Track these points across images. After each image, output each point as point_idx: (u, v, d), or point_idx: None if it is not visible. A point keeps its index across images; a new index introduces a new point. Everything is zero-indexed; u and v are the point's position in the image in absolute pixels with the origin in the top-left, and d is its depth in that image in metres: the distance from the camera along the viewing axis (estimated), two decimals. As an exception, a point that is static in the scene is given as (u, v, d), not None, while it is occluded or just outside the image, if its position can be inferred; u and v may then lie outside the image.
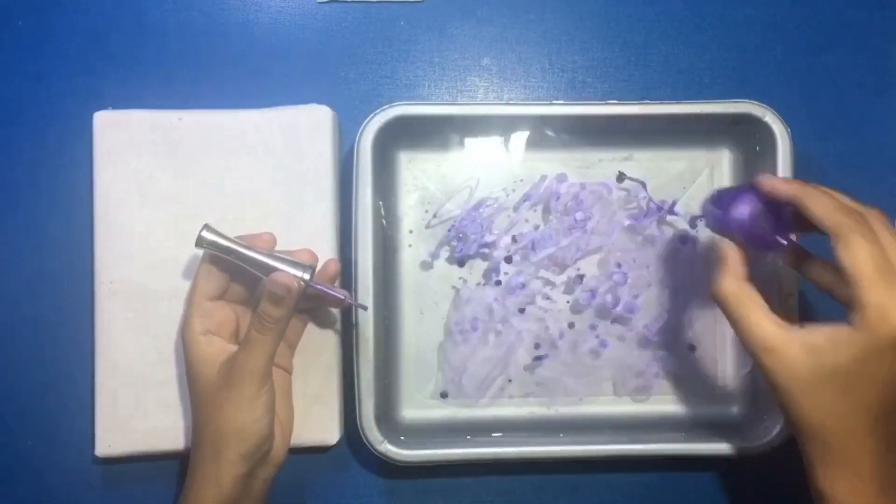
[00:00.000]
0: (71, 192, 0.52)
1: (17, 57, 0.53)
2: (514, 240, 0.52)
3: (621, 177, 0.53)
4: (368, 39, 0.54)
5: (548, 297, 0.52)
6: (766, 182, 0.42)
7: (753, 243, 0.42)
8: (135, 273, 0.50)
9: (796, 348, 0.39)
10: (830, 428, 0.39)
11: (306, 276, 0.44)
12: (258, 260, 0.44)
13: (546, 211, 0.53)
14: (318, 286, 0.45)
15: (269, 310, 0.43)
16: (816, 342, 0.38)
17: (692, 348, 0.53)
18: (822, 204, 0.39)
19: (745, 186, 0.43)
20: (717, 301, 0.42)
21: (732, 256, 0.42)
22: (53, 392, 0.52)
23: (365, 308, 0.48)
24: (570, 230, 0.52)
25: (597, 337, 0.52)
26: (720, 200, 0.44)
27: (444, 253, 0.52)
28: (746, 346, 0.41)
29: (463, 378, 0.52)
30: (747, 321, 0.40)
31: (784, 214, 0.42)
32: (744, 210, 0.42)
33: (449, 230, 0.52)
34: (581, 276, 0.52)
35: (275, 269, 0.44)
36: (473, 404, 0.52)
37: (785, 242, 0.42)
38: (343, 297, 0.46)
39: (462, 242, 0.52)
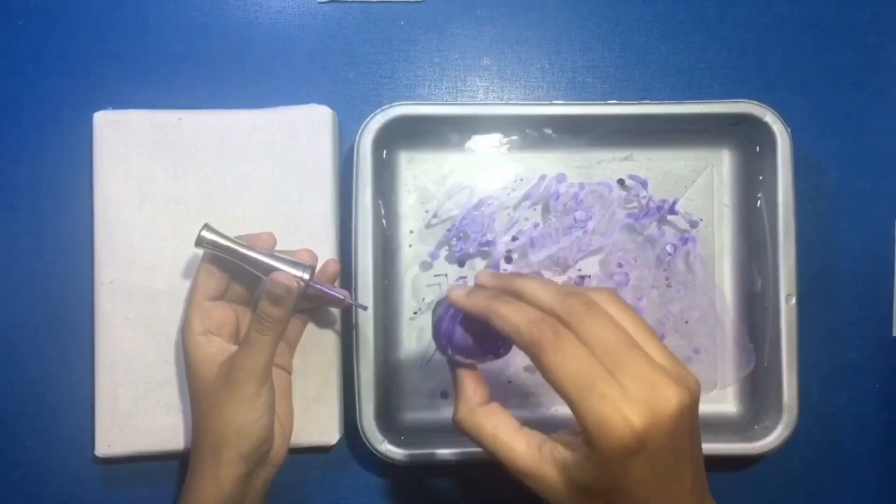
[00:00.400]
0: (71, 192, 0.52)
1: (17, 57, 0.53)
2: (513, 239, 0.52)
3: (623, 182, 0.53)
4: (368, 39, 0.54)
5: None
6: (455, 301, 0.38)
7: (474, 358, 0.39)
8: (135, 273, 0.50)
9: (549, 468, 0.35)
10: None
11: (306, 276, 0.44)
12: (258, 260, 0.44)
13: (546, 210, 0.53)
14: (318, 286, 0.45)
15: (269, 310, 0.43)
16: (564, 459, 0.35)
17: (695, 351, 0.53)
18: (508, 322, 0.35)
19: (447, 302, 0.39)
20: (461, 433, 0.38)
21: (467, 384, 0.39)
22: (53, 392, 0.52)
23: (365, 308, 0.48)
24: (569, 229, 0.52)
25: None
26: (434, 323, 0.40)
27: (444, 253, 0.52)
28: (506, 469, 0.37)
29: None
30: (497, 449, 0.37)
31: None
32: (449, 329, 0.39)
33: (449, 230, 0.52)
34: (583, 277, 0.52)
35: (274, 269, 0.44)
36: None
37: (503, 350, 0.39)
38: (343, 297, 0.46)
39: (462, 242, 0.52)
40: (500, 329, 0.36)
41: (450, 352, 0.39)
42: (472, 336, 0.38)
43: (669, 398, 0.33)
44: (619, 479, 0.33)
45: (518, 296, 0.37)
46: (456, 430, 0.38)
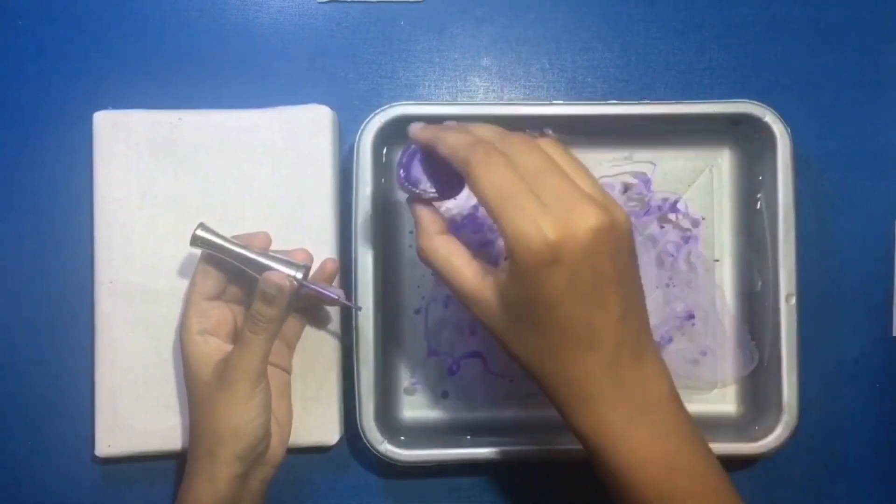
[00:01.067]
0: (71, 192, 0.52)
1: (17, 57, 0.53)
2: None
3: (626, 188, 0.53)
4: (368, 39, 0.54)
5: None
6: (412, 131, 0.41)
7: (437, 191, 0.41)
8: (135, 273, 0.50)
9: (489, 292, 0.37)
10: (542, 364, 0.37)
11: (299, 276, 0.44)
12: (252, 259, 0.44)
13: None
14: (311, 286, 0.45)
15: (262, 309, 0.43)
16: (500, 281, 0.36)
17: (703, 353, 0.52)
18: (448, 144, 0.38)
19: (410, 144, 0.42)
20: (423, 261, 0.40)
21: (423, 215, 0.41)
22: (53, 392, 0.52)
23: (359, 308, 0.48)
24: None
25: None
26: (398, 162, 0.42)
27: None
28: (455, 297, 0.39)
29: (463, 378, 0.52)
30: (449, 274, 0.39)
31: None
32: (412, 165, 0.41)
33: (448, 230, 0.52)
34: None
35: (268, 269, 0.44)
36: (473, 404, 0.52)
37: (460, 182, 0.41)
38: (337, 297, 0.46)
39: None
40: (442, 154, 0.38)
41: (408, 185, 0.41)
42: (430, 171, 0.41)
43: (587, 217, 0.34)
44: (539, 293, 0.35)
45: (462, 131, 0.39)
46: (420, 260, 0.40)
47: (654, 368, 0.38)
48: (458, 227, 0.52)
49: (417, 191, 0.41)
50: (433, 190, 0.41)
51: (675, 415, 0.38)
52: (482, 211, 0.52)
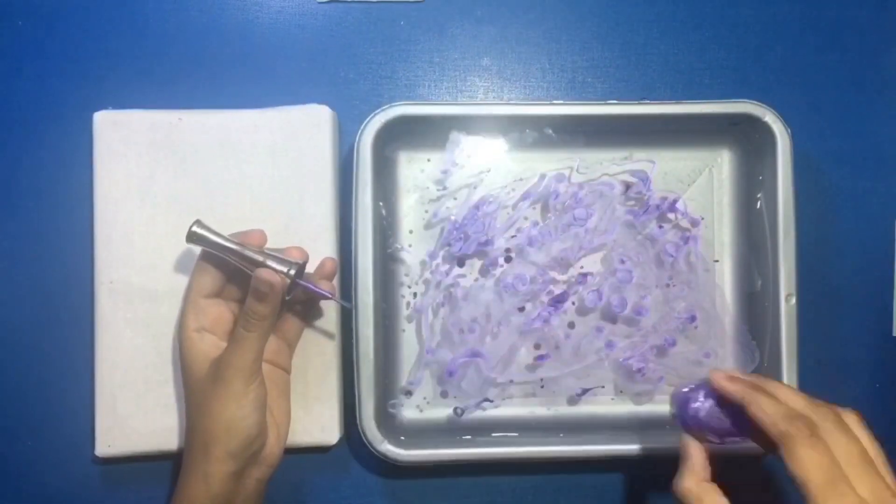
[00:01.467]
0: (71, 192, 0.52)
1: (17, 57, 0.53)
2: (512, 237, 0.52)
3: (627, 185, 0.53)
4: (368, 39, 0.54)
5: (550, 294, 0.52)
6: (716, 381, 0.42)
7: (715, 437, 0.43)
8: (135, 273, 0.50)
9: None
10: None
11: (292, 273, 0.44)
12: (247, 256, 0.45)
13: (545, 209, 0.53)
14: (303, 283, 0.46)
15: (254, 306, 0.43)
16: None
17: (706, 355, 0.52)
18: (765, 412, 0.39)
19: (703, 383, 0.44)
20: (677, 498, 0.41)
21: (695, 455, 0.42)
22: (53, 392, 0.52)
23: (350, 306, 0.48)
24: (568, 227, 0.52)
25: (600, 332, 0.52)
26: (678, 396, 0.44)
27: (444, 252, 0.52)
28: None
29: (463, 378, 0.52)
30: None
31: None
32: (699, 408, 0.43)
33: (448, 230, 0.52)
34: (584, 274, 0.52)
35: (262, 265, 0.44)
36: (474, 404, 0.52)
37: (741, 436, 0.43)
38: (330, 295, 0.46)
39: (462, 242, 0.52)
40: (756, 416, 0.39)
41: (694, 426, 0.43)
42: (717, 416, 0.43)
43: None
44: None
45: (771, 394, 0.41)
46: (673, 495, 0.41)
47: None
48: (458, 227, 0.52)
49: (703, 436, 0.43)
50: (717, 440, 0.43)
51: None
52: (482, 210, 0.52)
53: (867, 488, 0.36)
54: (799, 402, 0.41)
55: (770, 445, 0.39)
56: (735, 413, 0.42)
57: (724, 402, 0.42)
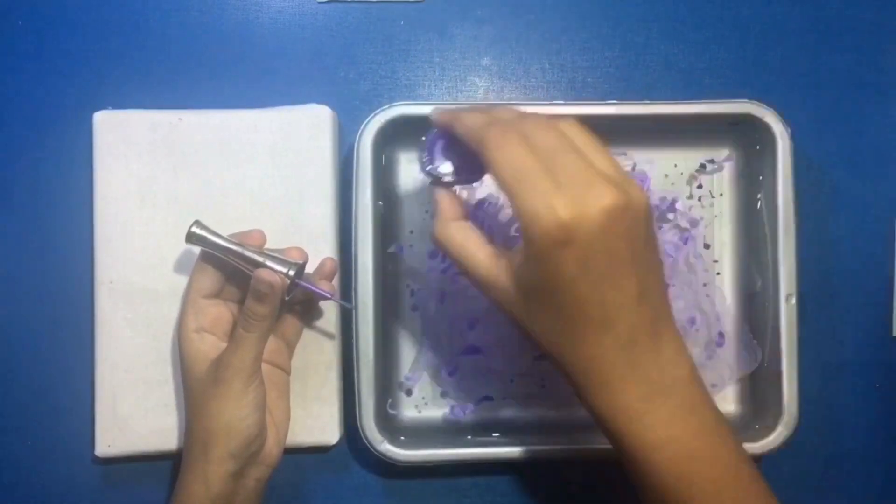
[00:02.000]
0: (71, 192, 0.52)
1: (17, 57, 0.53)
2: (513, 238, 0.52)
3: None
4: (368, 39, 0.54)
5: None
6: (433, 115, 0.41)
7: (458, 177, 0.41)
8: (135, 273, 0.50)
9: (504, 275, 0.37)
10: (560, 346, 0.37)
11: (291, 273, 0.44)
12: (246, 256, 0.45)
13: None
14: (303, 283, 0.46)
15: (254, 307, 0.43)
16: (516, 264, 0.36)
17: (708, 357, 0.52)
18: (464, 124, 0.38)
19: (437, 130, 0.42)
20: (438, 247, 0.40)
21: (442, 200, 0.41)
22: (53, 392, 0.52)
23: (350, 306, 0.49)
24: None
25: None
26: (421, 146, 0.43)
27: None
28: (471, 282, 0.39)
29: (463, 378, 0.52)
30: (464, 259, 0.39)
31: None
32: (435, 151, 0.42)
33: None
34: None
35: (262, 266, 0.44)
36: (473, 403, 0.52)
37: (481, 169, 0.41)
38: (329, 296, 0.46)
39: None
40: (459, 133, 0.38)
41: (430, 169, 0.41)
42: (452, 156, 0.41)
43: (601, 196, 0.34)
44: (552, 274, 0.34)
45: (484, 112, 0.39)
46: (434, 244, 0.40)
47: (672, 350, 0.38)
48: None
49: (438, 174, 0.41)
50: (453, 174, 0.41)
51: (695, 398, 0.38)
52: (482, 210, 0.52)
53: (565, 173, 0.34)
54: (505, 114, 0.38)
55: (497, 184, 0.36)
56: (465, 151, 0.39)
57: (453, 142, 0.41)
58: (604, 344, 0.36)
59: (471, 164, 0.41)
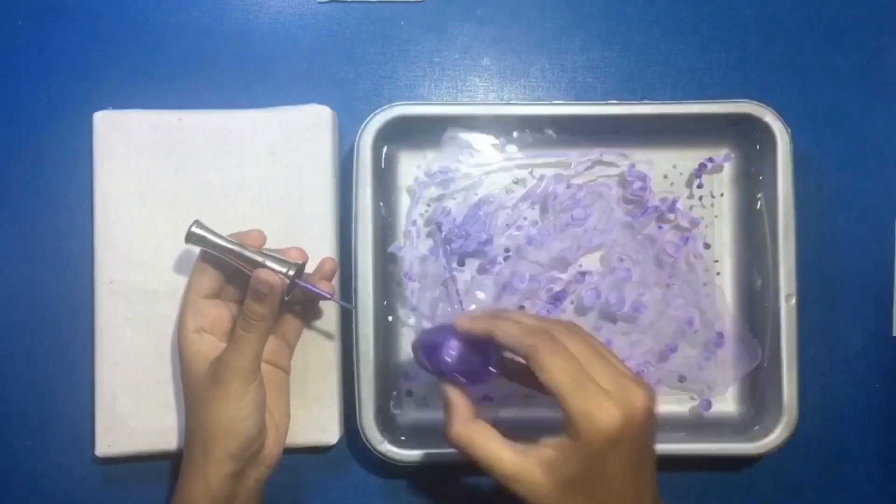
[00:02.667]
0: (71, 192, 0.52)
1: (17, 57, 0.53)
2: (512, 238, 0.52)
3: (624, 181, 0.53)
4: (368, 39, 0.54)
5: (549, 292, 0.52)
6: (460, 324, 0.43)
7: (468, 379, 0.43)
8: (135, 273, 0.50)
9: (535, 469, 0.39)
10: None
11: (291, 273, 0.44)
12: (246, 256, 0.45)
13: (544, 209, 0.53)
14: (303, 284, 0.46)
15: (254, 307, 0.43)
16: (549, 459, 0.39)
17: (706, 358, 0.52)
18: (508, 333, 0.41)
19: (447, 327, 0.44)
20: (454, 447, 0.41)
21: (455, 399, 0.42)
22: (53, 392, 0.52)
23: (349, 306, 0.49)
24: (567, 227, 0.52)
25: (598, 332, 0.52)
26: (426, 346, 0.44)
27: (444, 252, 0.52)
28: (497, 480, 0.40)
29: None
30: (487, 459, 0.40)
31: (489, 346, 0.43)
32: (449, 353, 0.43)
33: (448, 229, 0.52)
34: (584, 273, 0.52)
35: (261, 266, 0.44)
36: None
37: (494, 371, 0.43)
38: (329, 296, 0.46)
39: (461, 241, 0.52)
40: (503, 341, 0.41)
41: (447, 372, 0.43)
42: (467, 359, 0.43)
43: (638, 396, 0.39)
44: (601, 470, 0.38)
45: (509, 320, 0.42)
46: (448, 444, 0.42)
47: None
48: (459, 225, 0.52)
49: (457, 380, 0.43)
50: (472, 383, 0.43)
51: None
52: (482, 210, 0.52)
53: (607, 379, 0.39)
54: (531, 320, 0.43)
55: (520, 379, 0.42)
56: (483, 354, 0.43)
57: (472, 344, 0.43)
58: None
59: (478, 370, 0.43)
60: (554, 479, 0.39)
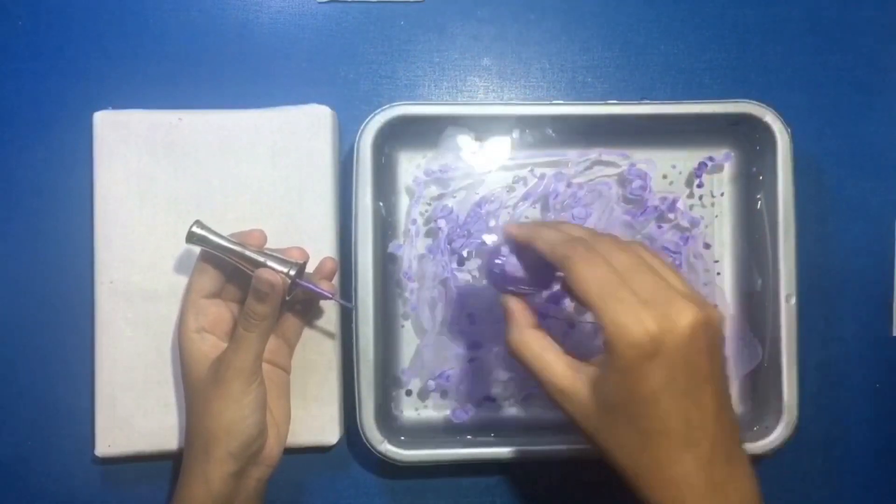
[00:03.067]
0: (71, 192, 0.52)
1: (17, 57, 0.53)
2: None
3: (624, 187, 0.53)
4: (368, 39, 0.54)
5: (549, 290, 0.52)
6: (507, 229, 0.42)
7: (523, 287, 0.43)
8: (135, 273, 0.50)
9: (582, 387, 0.38)
10: (637, 465, 0.37)
11: (292, 273, 0.44)
12: (247, 256, 0.45)
13: (545, 208, 0.53)
14: (304, 283, 0.46)
15: (255, 307, 0.43)
16: (595, 377, 0.37)
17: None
18: (545, 240, 0.39)
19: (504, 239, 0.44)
20: (512, 355, 0.41)
21: (516, 309, 0.42)
22: (53, 392, 0.52)
23: (350, 306, 0.49)
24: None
25: (597, 331, 0.52)
26: (488, 257, 0.44)
27: (444, 252, 0.52)
28: (545, 392, 0.39)
29: (463, 377, 0.52)
30: (540, 368, 0.39)
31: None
32: (504, 263, 0.43)
33: (448, 229, 0.52)
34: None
35: (263, 266, 0.44)
36: (473, 404, 0.52)
37: (544, 284, 0.43)
38: (330, 295, 0.46)
39: (461, 240, 0.52)
40: (541, 249, 0.40)
41: (502, 282, 0.43)
42: (523, 269, 0.42)
43: (683, 311, 0.35)
44: (638, 387, 0.35)
45: (555, 228, 0.41)
46: (508, 353, 0.41)
47: (744, 470, 0.37)
48: (461, 224, 0.52)
49: (512, 288, 0.43)
50: (526, 286, 0.43)
51: None
52: (483, 209, 0.52)
53: (649, 290, 0.36)
54: (579, 230, 0.41)
55: (578, 298, 0.38)
56: (535, 262, 0.42)
57: (523, 253, 0.42)
58: (684, 462, 0.36)
59: (538, 277, 0.43)
60: (597, 398, 0.37)
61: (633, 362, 0.35)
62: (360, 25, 0.54)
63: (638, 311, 0.35)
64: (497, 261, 0.43)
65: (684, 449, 0.36)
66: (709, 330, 0.36)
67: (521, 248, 0.42)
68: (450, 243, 0.52)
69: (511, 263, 0.43)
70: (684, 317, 0.35)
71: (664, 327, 0.35)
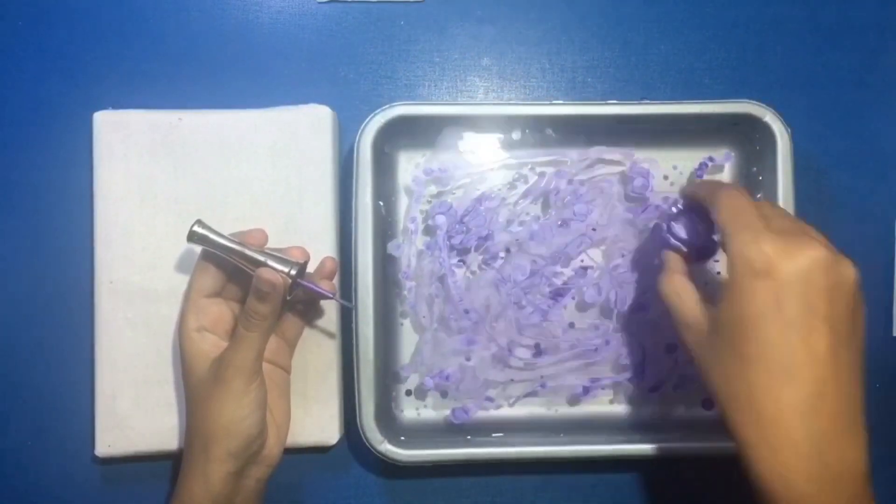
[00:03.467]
0: (71, 192, 0.52)
1: (17, 57, 0.53)
2: (514, 233, 0.52)
3: (625, 186, 0.53)
4: (368, 39, 0.54)
5: (551, 286, 0.52)
6: (685, 188, 0.47)
7: (689, 244, 0.47)
8: (135, 273, 0.50)
9: (704, 319, 0.40)
10: (736, 395, 0.36)
11: (293, 273, 0.44)
12: (248, 255, 0.45)
13: (546, 205, 0.53)
14: (305, 283, 0.46)
15: (256, 306, 0.43)
16: (716, 311, 0.39)
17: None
18: (703, 189, 0.43)
19: (686, 205, 0.48)
20: (661, 293, 0.44)
21: (672, 258, 0.46)
22: (53, 392, 0.52)
23: (350, 306, 0.49)
24: (568, 222, 0.52)
25: (598, 329, 0.52)
26: (665, 217, 0.49)
27: (443, 248, 0.52)
28: (676, 326, 0.42)
29: (463, 377, 0.52)
30: (677, 303, 0.42)
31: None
32: (673, 221, 0.47)
33: (448, 229, 0.52)
34: (585, 268, 0.52)
35: (263, 265, 0.44)
36: (473, 404, 0.52)
37: (708, 247, 0.47)
38: (331, 295, 0.46)
39: (463, 235, 0.51)
40: (697, 196, 0.44)
41: (671, 239, 0.47)
42: (688, 230, 0.47)
43: (807, 245, 0.36)
44: (744, 307, 0.36)
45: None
46: (659, 294, 0.44)
47: (856, 442, 0.36)
48: (460, 220, 0.52)
49: (678, 246, 0.47)
50: (689, 245, 0.46)
51: (864, 501, 0.36)
52: (482, 209, 0.52)
53: (782, 224, 0.38)
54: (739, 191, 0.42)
55: (721, 231, 0.40)
56: (703, 231, 0.46)
57: (693, 220, 0.47)
58: (782, 399, 0.35)
59: (704, 246, 0.47)
60: (710, 323, 0.38)
61: (743, 279, 0.36)
62: (360, 25, 0.54)
63: (763, 236, 0.36)
64: (673, 222, 0.47)
65: (783, 383, 0.35)
66: (834, 274, 0.35)
67: (693, 216, 0.46)
68: (449, 239, 0.52)
69: (680, 227, 0.47)
70: (807, 250, 0.35)
71: (782, 253, 0.35)
